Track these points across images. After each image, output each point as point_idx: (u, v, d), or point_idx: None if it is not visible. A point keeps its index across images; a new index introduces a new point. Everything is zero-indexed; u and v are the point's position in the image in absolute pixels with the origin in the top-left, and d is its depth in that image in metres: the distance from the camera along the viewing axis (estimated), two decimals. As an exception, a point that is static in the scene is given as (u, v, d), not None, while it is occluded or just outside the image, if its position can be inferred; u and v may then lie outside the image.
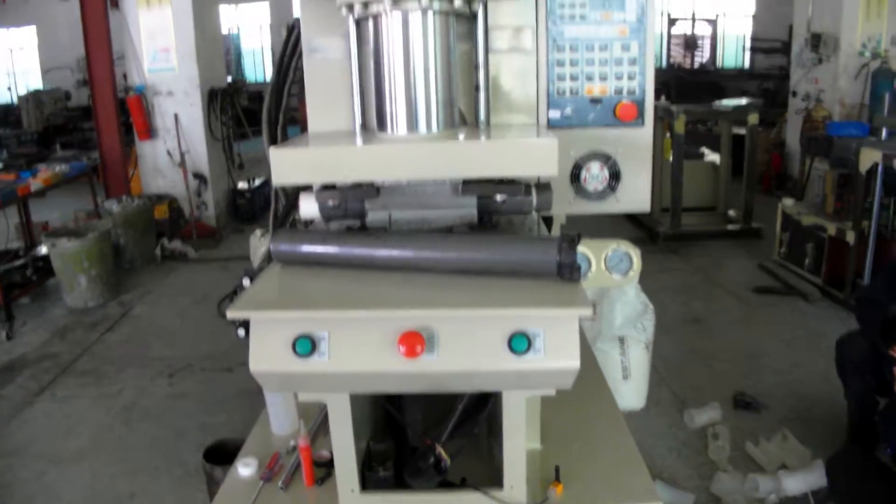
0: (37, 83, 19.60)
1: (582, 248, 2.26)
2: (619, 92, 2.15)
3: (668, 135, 7.95)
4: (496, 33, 2.12)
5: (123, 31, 8.20)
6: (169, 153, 8.56)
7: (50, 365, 5.23)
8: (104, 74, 8.15)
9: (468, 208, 1.89)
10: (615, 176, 2.20)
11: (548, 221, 2.40)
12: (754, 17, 19.30)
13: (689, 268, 6.96)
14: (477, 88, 2.05)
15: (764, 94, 15.40)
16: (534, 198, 1.91)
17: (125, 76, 8.64)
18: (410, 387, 1.67)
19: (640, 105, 2.15)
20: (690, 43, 19.33)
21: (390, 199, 1.92)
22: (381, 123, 1.89)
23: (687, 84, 16.84)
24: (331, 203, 1.88)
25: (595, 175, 2.20)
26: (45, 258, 6.64)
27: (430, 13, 1.80)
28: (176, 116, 8.45)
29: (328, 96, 2.15)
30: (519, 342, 1.47)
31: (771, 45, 17.68)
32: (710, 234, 7.79)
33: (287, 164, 1.73)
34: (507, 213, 1.94)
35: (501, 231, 1.95)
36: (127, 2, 8.13)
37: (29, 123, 16.19)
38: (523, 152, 1.73)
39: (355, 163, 1.73)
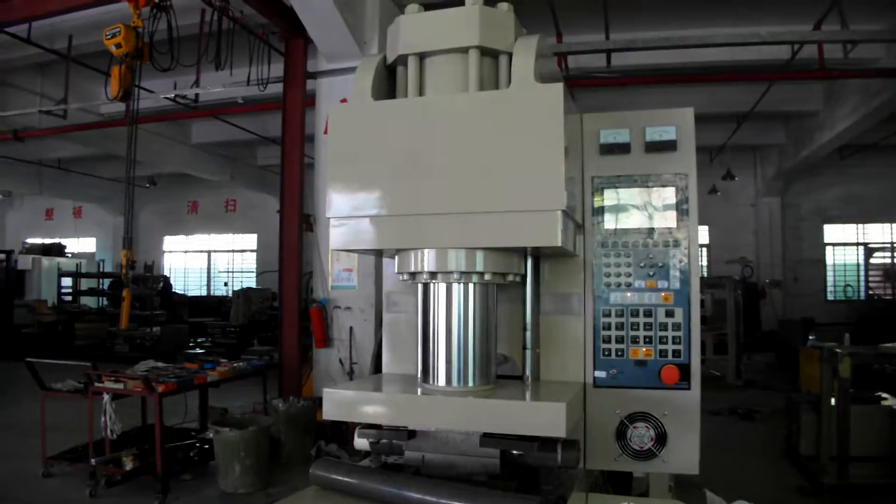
0: (251, 283, 22.08)
1: (633, 504, 2.28)
2: (663, 355, 2.24)
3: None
4: (547, 297, 2.34)
5: (314, 249, 9.28)
6: (341, 362, 9.22)
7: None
8: (292, 287, 9.16)
9: (491, 458, 2.02)
10: (662, 437, 2.23)
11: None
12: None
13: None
14: (524, 348, 2.25)
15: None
16: (559, 455, 1.99)
17: (311, 289, 9.62)
18: None
19: (684, 369, 2.23)
20: (891, 273, 18.20)
21: (425, 442, 2.10)
22: (425, 374, 2.13)
23: (888, 317, 15.68)
24: (368, 440, 2.11)
25: (640, 435, 2.25)
26: (211, 441, 7.25)
27: (471, 285, 2.06)
28: (351, 329, 9.16)
29: (402, 345, 2.47)
30: None
31: None
32: (888, 488, 6.93)
33: (334, 403, 2.02)
34: (534, 466, 2.04)
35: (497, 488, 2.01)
36: (321, 226, 9.28)
37: (237, 317, 18.10)
38: (531, 413, 1.87)
39: (383, 408, 1.97)
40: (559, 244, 1.86)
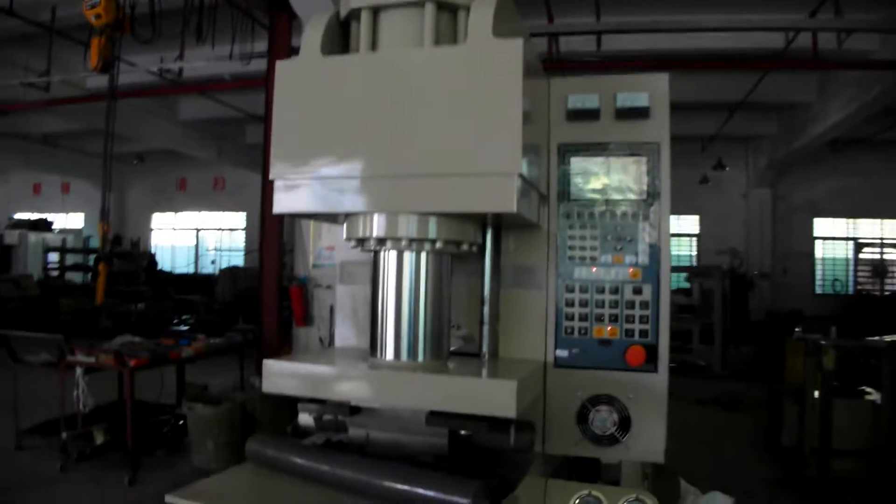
0: (239, 261, 21.93)
1: (596, 493, 2.15)
2: (630, 335, 2.12)
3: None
4: (508, 270, 2.21)
5: (295, 227, 9.14)
6: (321, 340, 9.10)
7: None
8: (273, 264, 9.03)
9: (440, 438, 1.89)
10: (625, 421, 2.11)
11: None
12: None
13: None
14: (482, 323, 2.12)
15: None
16: (511, 436, 1.86)
17: (291, 267, 9.50)
18: None
19: (651, 350, 2.10)
20: (880, 269, 18.17)
21: (370, 419, 1.97)
22: (374, 348, 2.00)
23: (876, 312, 15.65)
24: (309, 415, 1.98)
25: (603, 418, 2.12)
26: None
27: (423, 253, 1.93)
28: (332, 308, 9.05)
29: (356, 319, 2.33)
30: None
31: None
32: (869, 482, 6.87)
33: (273, 375, 1.89)
34: (485, 448, 1.91)
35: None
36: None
37: (222, 295, 17.97)
38: (481, 391, 1.74)
39: (321, 382, 1.84)
40: (514, 210, 1.72)
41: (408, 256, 1.93)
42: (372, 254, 2.03)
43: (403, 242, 1.88)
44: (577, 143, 2.19)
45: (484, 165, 1.74)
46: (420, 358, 1.93)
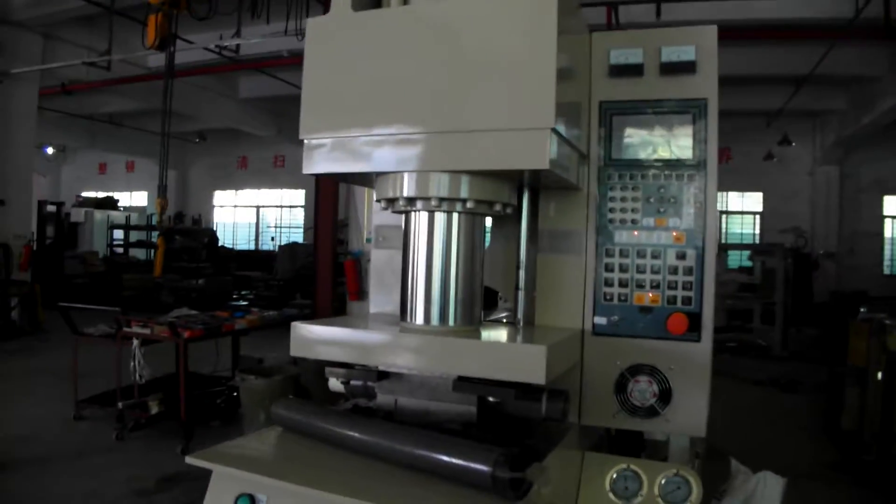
0: (299, 238, 22.24)
1: (635, 467, 2.08)
2: (672, 302, 2.01)
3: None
4: (546, 234, 2.13)
5: (350, 201, 9.15)
6: (375, 315, 9.14)
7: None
8: (327, 239, 9.08)
9: (469, 405, 1.84)
10: (666, 393, 2.01)
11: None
12: None
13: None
14: (517, 288, 2.05)
15: None
16: (543, 404, 1.79)
17: (346, 241, 9.53)
18: None
19: (694, 318, 1.99)
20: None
21: (398, 385, 1.93)
22: (404, 313, 1.95)
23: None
24: (337, 380, 1.95)
25: (642, 389, 2.03)
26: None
27: (454, 214, 1.87)
28: (382, 280, 9.08)
29: (389, 283, 2.29)
30: None
31: None
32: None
33: (299, 339, 1.86)
34: (515, 416, 1.85)
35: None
36: (356, 177, 9.14)
37: (281, 271, 18.26)
38: (509, 357, 1.68)
39: (345, 346, 1.81)
40: (547, 166, 1.64)
41: (439, 217, 1.88)
42: (403, 217, 1.99)
43: (433, 202, 1.82)
44: (619, 101, 2.08)
45: (516, 120, 1.67)
46: (451, 323, 1.88)
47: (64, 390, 7.19)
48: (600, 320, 2.07)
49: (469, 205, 1.81)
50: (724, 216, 19.44)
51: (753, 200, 19.17)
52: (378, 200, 1.96)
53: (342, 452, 1.74)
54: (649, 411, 2.02)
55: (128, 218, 22.09)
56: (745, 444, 6.58)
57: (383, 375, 1.92)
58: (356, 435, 1.70)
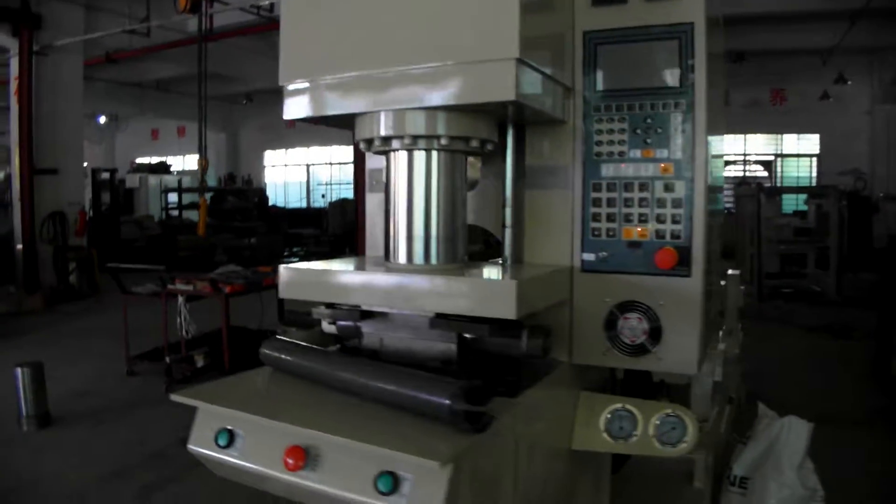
0: (349, 194, 22.41)
1: (630, 407, 2.06)
2: (661, 236, 1.96)
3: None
4: (532, 170, 2.09)
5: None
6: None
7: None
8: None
9: (449, 343, 1.84)
10: (656, 331, 1.97)
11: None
12: None
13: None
14: (504, 226, 2.03)
15: None
16: (523, 342, 1.78)
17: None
18: (298, 498, 1.62)
19: (684, 252, 1.94)
20: None
21: (382, 325, 1.94)
22: (388, 252, 1.95)
23: None
24: (322, 320, 1.98)
25: (632, 327, 1.99)
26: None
27: (432, 152, 1.85)
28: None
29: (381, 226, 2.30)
30: (384, 482, 1.37)
31: None
32: None
33: (289, 281, 1.89)
34: (496, 353, 1.84)
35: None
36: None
37: (333, 227, 18.50)
38: (481, 292, 1.66)
39: (331, 286, 1.83)
40: (513, 97, 1.60)
41: (417, 156, 1.86)
42: (384, 158, 1.98)
43: (407, 140, 1.80)
44: (603, 30, 2.00)
45: (480, 52, 1.63)
46: (433, 261, 1.87)
47: (118, 348, 7.47)
48: (588, 256, 2.04)
49: (443, 142, 1.79)
50: (779, 159, 18.86)
51: (810, 143, 18.52)
52: (357, 143, 1.95)
53: (321, 390, 1.77)
54: (640, 349, 1.99)
55: (180, 181, 22.57)
56: (792, 389, 6.47)
57: (366, 315, 1.93)
58: (333, 372, 1.73)
